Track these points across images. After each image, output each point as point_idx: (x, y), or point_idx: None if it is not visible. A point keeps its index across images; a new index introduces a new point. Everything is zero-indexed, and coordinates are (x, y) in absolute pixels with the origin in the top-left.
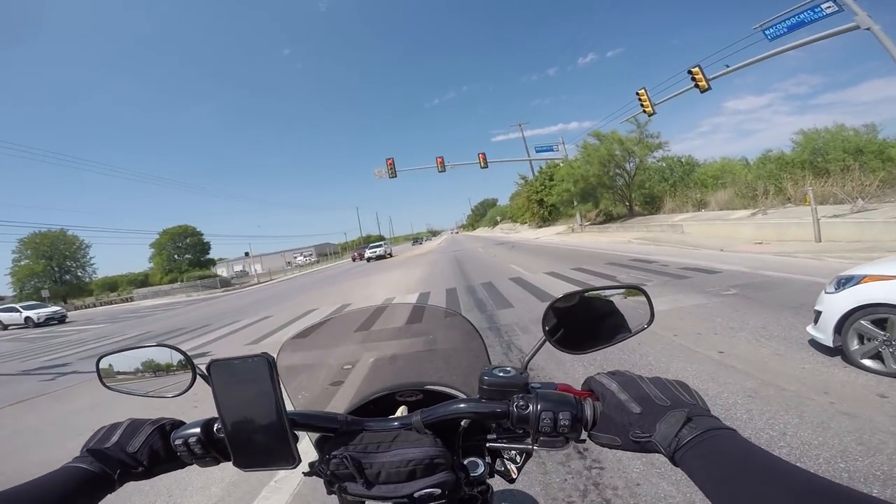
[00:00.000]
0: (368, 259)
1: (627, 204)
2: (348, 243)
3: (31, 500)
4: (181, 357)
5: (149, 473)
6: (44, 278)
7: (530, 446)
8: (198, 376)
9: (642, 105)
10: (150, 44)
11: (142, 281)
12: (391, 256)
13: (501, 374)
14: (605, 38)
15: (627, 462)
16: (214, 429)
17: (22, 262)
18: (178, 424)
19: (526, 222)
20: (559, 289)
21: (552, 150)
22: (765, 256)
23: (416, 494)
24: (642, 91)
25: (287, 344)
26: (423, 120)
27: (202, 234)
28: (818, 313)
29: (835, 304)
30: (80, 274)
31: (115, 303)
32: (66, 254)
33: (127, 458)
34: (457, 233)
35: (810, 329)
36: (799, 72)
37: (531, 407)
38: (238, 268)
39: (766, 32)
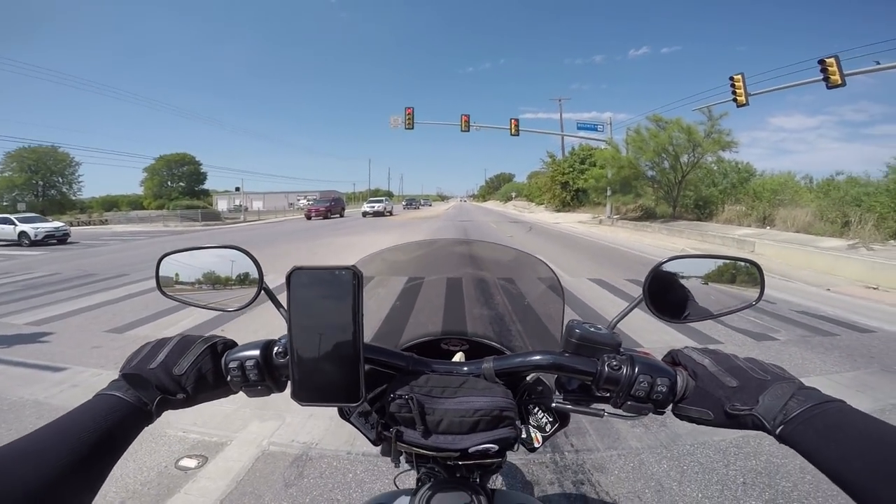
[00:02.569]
0: (364, 214)
1: (672, 204)
2: (357, 193)
3: (51, 444)
4: (251, 264)
5: (190, 401)
6: (24, 191)
7: (602, 412)
8: (262, 291)
9: (734, 92)
10: None
11: (138, 203)
12: (391, 215)
13: (593, 330)
14: (664, 34)
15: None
16: (273, 353)
17: (5, 174)
18: (230, 344)
19: (543, 203)
20: (630, 323)
21: (595, 130)
22: None
23: (471, 449)
24: (738, 76)
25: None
26: (453, 85)
27: (200, 164)
28: None
29: None
30: (65, 190)
31: (94, 224)
32: (54, 169)
33: (170, 382)
34: (465, 201)
35: None
36: (862, 98)
37: (625, 369)
38: (238, 202)
39: None
